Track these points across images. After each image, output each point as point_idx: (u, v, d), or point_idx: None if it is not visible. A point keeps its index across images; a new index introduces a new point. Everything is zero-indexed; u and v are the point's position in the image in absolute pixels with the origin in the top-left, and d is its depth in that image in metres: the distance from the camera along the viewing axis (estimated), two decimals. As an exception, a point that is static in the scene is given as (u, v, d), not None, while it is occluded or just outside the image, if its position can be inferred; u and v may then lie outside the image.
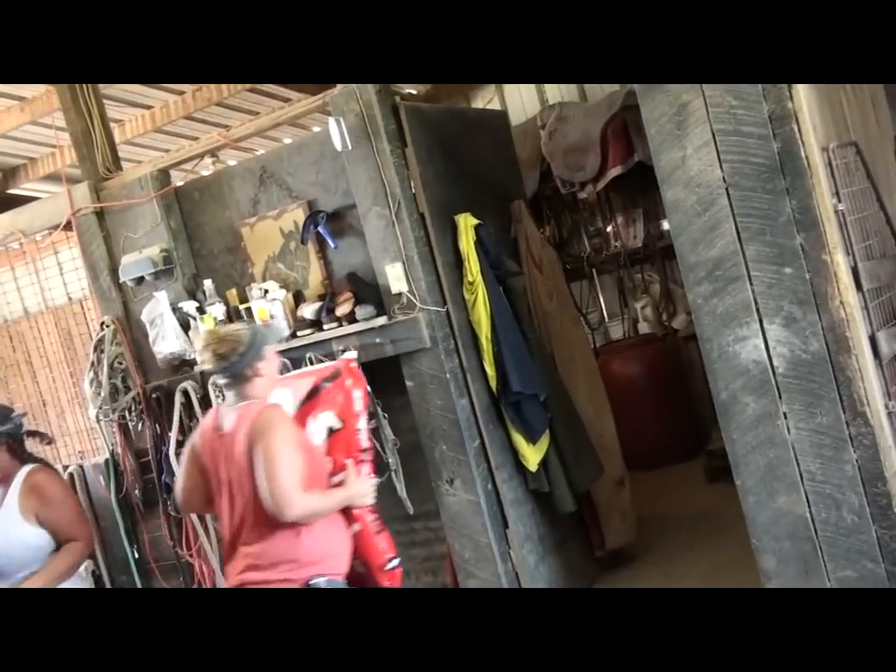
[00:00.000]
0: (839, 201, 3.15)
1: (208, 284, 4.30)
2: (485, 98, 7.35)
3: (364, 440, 3.28)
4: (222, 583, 4.22)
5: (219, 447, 2.96)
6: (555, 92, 7.08)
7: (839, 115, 3.60)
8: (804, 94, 3.08)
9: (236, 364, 2.93)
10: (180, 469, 3.20)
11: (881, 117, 4.41)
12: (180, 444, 4.10)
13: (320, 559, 2.96)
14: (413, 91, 7.46)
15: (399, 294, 3.97)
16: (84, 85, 4.54)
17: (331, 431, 3.21)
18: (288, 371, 3.80)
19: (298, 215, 4.22)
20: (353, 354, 3.51)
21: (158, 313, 4.26)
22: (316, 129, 6.44)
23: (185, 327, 4.31)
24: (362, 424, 3.28)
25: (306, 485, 2.88)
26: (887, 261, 3.49)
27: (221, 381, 3.01)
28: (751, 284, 3.17)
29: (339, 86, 3.99)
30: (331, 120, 3.85)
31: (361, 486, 3.16)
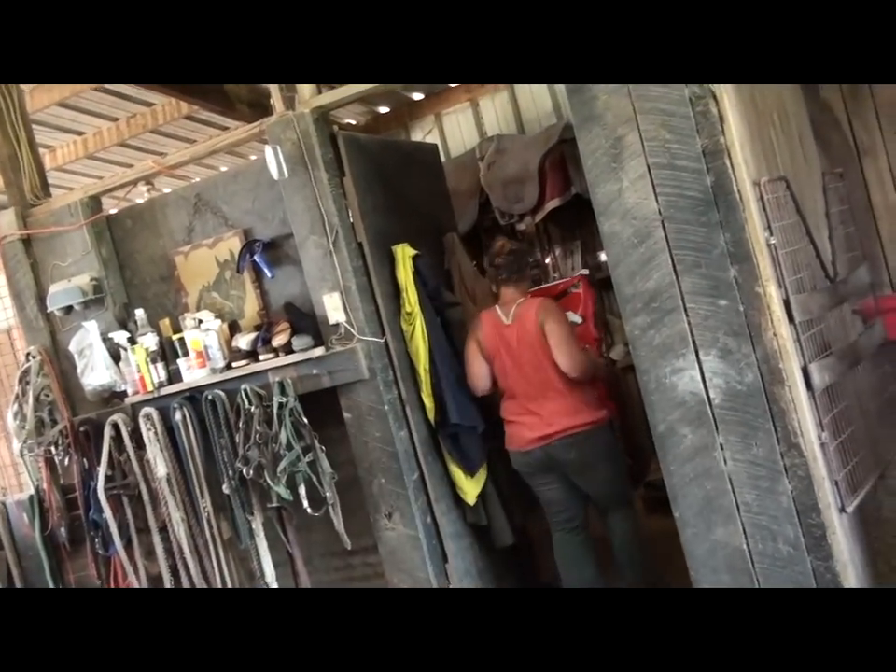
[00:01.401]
0: (771, 234, 3.19)
1: (140, 313, 4.19)
2: (425, 129, 7.36)
3: (596, 331, 4.68)
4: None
5: (501, 336, 4.03)
6: (494, 124, 7.12)
7: (769, 150, 3.66)
8: (735, 129, 3.13)
9: (520, 261, 4.17)
10: (470, 364, 4.14)
11: (808, 153, 4.51)
12: (109, 479, 3.98)
13: (586, 409, 3.99)
14: (353, 122, 7.44)
15: (337, 324, 3.91)
16: (11, 109, 4.42)
17: (573, 325, 4.31)
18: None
19: (233, 243, 4.15)
20: (585, 271, 4.86)
21: (87, 343, 4.13)
22: (254, 157, 6.37)
23: (115, 358, 4.19)
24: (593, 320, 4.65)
25: None
26: (817, 294, 3.54)
27: (504, 275, 4.12)
28: (687, 315, 3.20)
29: (276, 113, 3.95)
30: (268, 148, 3.80)
31: (599, 361, 4.37)
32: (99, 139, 6.41)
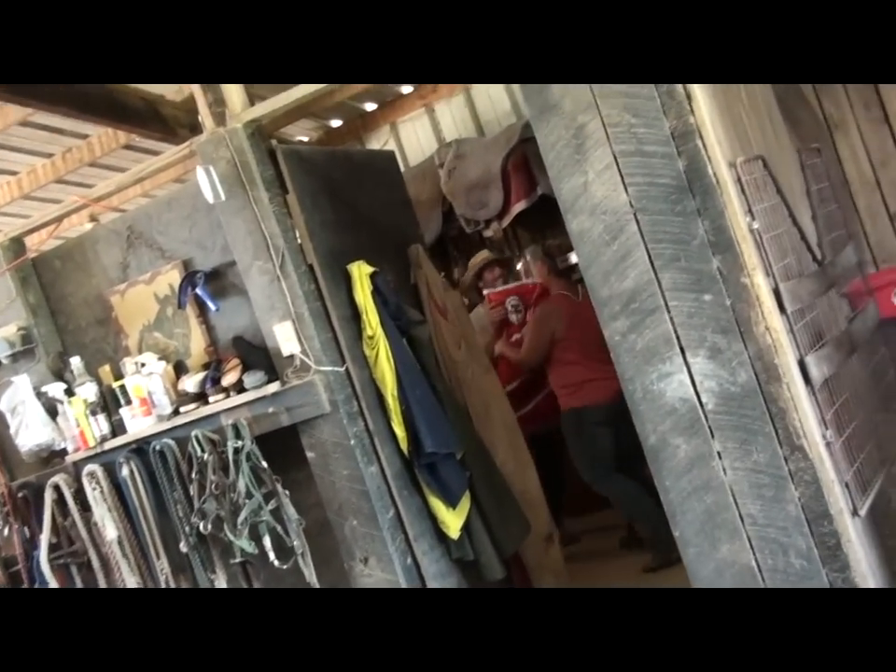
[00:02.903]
0: (753, 218, 2.95)
1: (76, 362, 3.87)
2: (381, 140, 7.10)
3: None
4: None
5: (577, 312, 4.89)
6: (452, 129, 6.87)
7: (741, 129, 3.41)
8: (705, 108, 2.88)
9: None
10: (543, 344, 5.09)
11: (779, 131, 4.28)
12: (54, 548, 3.65)
13: None
14: (305, 139, 7.16)
15: (292, 356, 3.60)
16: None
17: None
18: None
19: (173, 277, 3.84)
20: None
21: (19, 400, 3.80)
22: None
23: (52, 413, 3.86)
24: None
25: None
26: (806, 280, 3.28)
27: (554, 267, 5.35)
28: (670, 315, 2.95)
29: (206, 132, 3.64)
30: (199, 169, 3.49)
31: None
32: (34, 177, 6.07)
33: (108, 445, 3.76)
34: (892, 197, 5.17)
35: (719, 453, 2.94)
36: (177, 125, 5.66)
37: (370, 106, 7.02)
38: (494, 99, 6.75)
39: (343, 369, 3.64)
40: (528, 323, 5.33)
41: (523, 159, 5.92)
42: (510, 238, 6.70)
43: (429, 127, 7.04)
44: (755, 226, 2.91)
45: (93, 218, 5.45)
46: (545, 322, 5.10)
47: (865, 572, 2.89)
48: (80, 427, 3.77)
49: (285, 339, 3.59)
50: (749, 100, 3.78)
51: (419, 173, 6.49)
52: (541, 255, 5.38)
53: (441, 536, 3.79)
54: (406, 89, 6.87)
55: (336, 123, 7.19)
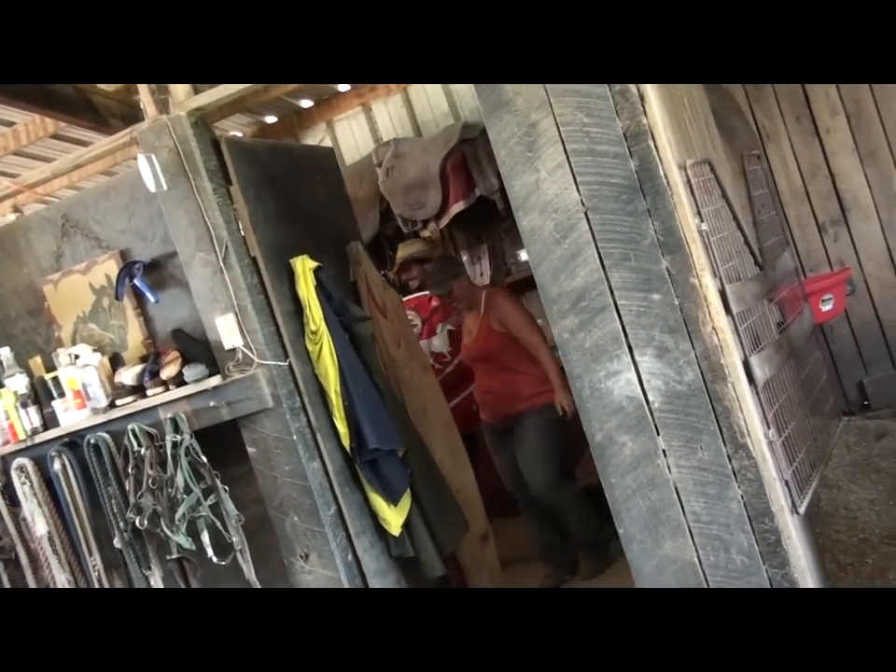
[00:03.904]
0: (702, 220, 2.99)
1: (5, 353, 3.71)
2: (316, 138, 7.02)
3: None
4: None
5: None
6: (389, 129, 6.84)
7: (685, 134, 3.47)
8: (657, 110, 2.91)
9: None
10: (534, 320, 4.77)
11: (715, 139, 4.38)
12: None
13: None
14: (238, 134, 7.03)
15: (234, 349, 3.52)
16: None
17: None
18: None
19: (110, 267, 3.72)
20: None
21: (-56, 391, 3.63)
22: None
23: (-21, 405, 3.68)
24: None
25: None
26: (750, 283, 3.35)
27: None
28: (619, 314, 2.97)
29: (147, 119, 3.54)
30: (141, 157, 3.39)
31: None
32: (-47, 164, 5.81)
33: (39, 438, 3.62)
34: (820, 208, 5.35)
35: (664, 451, 2.97)
36: (109, 115, 5.48)
37: (306, 103, 6.93)
38: (432, 100, 6.74)
39: (287, 363, 3.58)
40: (510, 313, 4.66)
41: (462, 160, 5.93)
42: (446, 239, 6.70)
43: (366, 126, 6.99)
44: (703, 227, 2.96)
45: (17, 209, 5.25)
46: (523, 305, 4.84)
47: (804, 568, 2.96)
48: (9, 419, 3.62)
49: (227, 332, 3.51)
50: (690, 106, 3.85)
51: (356, 171, 6.44)
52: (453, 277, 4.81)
53: (381, 533, 3.74)
54: (343, 87, 6.82)
55: (271, 119, 7.09)
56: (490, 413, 4.78)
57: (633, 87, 2.87)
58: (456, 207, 5.92)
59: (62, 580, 3.52)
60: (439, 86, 6.59)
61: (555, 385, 4.44)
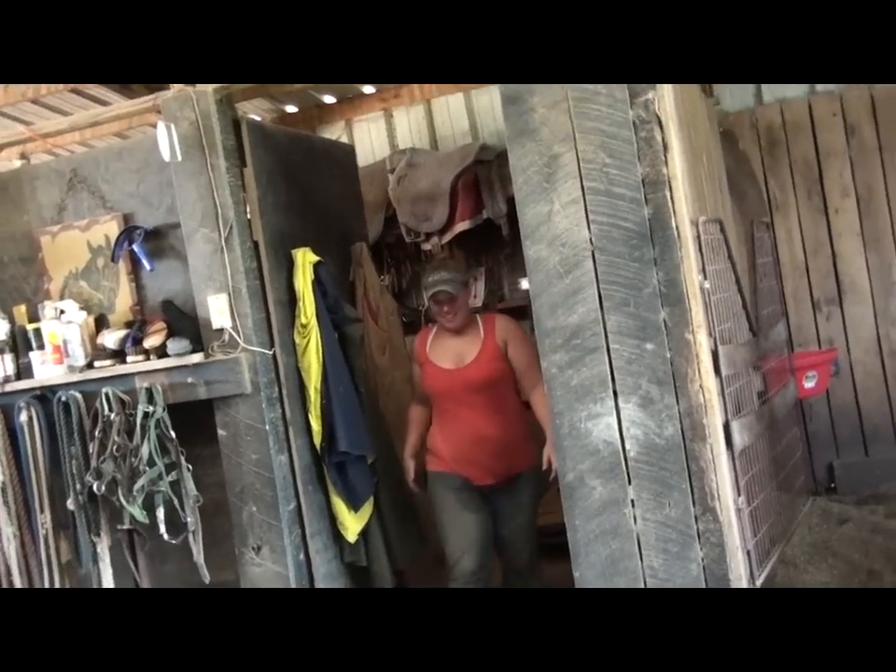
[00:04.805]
0: (705, 278, 3.01)
1: (-9, 296, 3.68)
2: (334, 134, 7.01)
3: None
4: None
5: None
6: (406, 137, 6.84)
7: (700, 190, 3.49)
8: (678, 161, 2.92)
9: None
10: None
11: (726, 201, 4.41)
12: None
13: None
14: (257, 118, 7.01)
15: (221, 330, 3.49)
16: None
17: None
18: None
19: (111, 228, 3.69)
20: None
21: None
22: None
23: (-46, 344, 3.64)
24: None
25: None
26: (742, 347, 3.37)
27: None
28: (610, 357, 2.97)
29: (173, 88, 3.52)
30: (161, 125, 3.37)
31: None
32: (-29, 105, 5.75)
33: (10, 387, 3.57)
34: (818, 285, 5.37)
35: (633, 500, 2.96)
36: (133, 79, 5.46)
37: (328, 99, 6.92)
38: (453, 116, 6.75)
39: (271, 352, 3.55)
40: (518, 337, 3.75)
41: (474, 180, 5.92)
42: (445, 255, 6.69)
43: (385, 131, 6.98)
44: (706, 285, 2.97)
45: (24, 156, 5.21)
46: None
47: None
48: (-17, 364, 3.58)
49: (217, 311, 3.48)
50: (708, 164, 3.88)
51: (367, 174, 6.39)
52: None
53: (337, 537, 3.71)
54: (368, 89, 6.82)
55: (291, 109, 7.07)
56: (476, 468, 3.64)
57: (658, 135, 2.88)
58: (462, 226, 5.90)
59: (7, 532, 3.47)
60: (462, 103, 6.61)
61: (550, 440, 3.45)
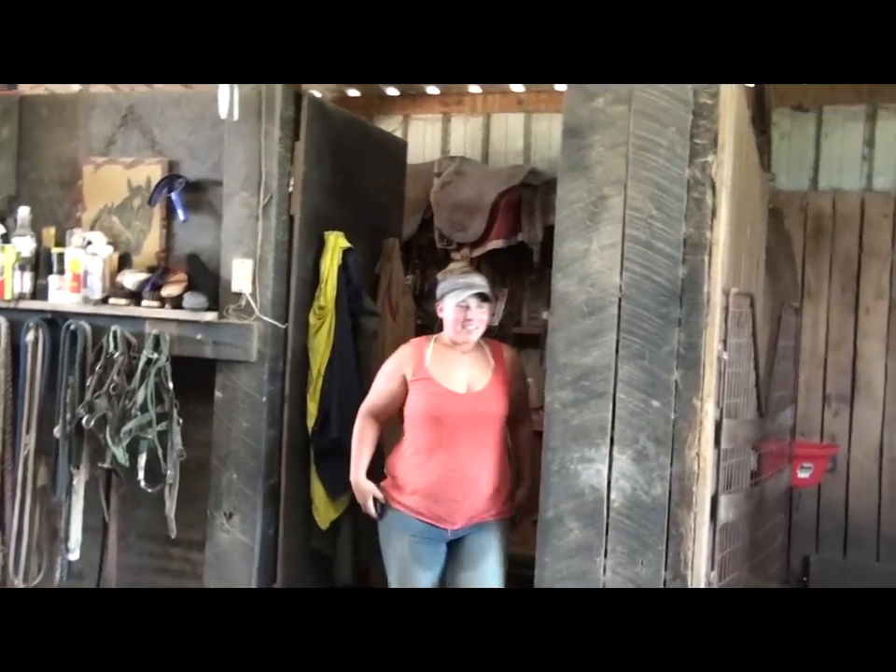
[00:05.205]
0: (725, 349, 2.99)
1: (24, 212, 3.70)
2: (390, 126, 7.02)
3: None
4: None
5: None
6: (459, 145, 6.86)
7: (738, 263, 3.48)
8: (724, 227, 2.91)
9: None
10: None
11: (760, 278, 4.40)
12: None
13: None
14: (318, 95, 7.03)
15: (240, 294, 3.51)
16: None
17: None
18: None
19: (154, 171, 3.71)
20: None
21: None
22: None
23: (-21, 251, 3.65)
24: None
25: None
26: (746, 424, 3.35)
27: None
28: (615, 405, 2.95)
29: (246, 49, 3.53)
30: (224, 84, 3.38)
31: None
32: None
33: (23, 305, 3.59)
34: (832, 379, 5.35)
35: (606, 551, 2.94)
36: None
37: (391, 91, 6.95)
38: (510, 134, 6.76)
39: (284, 326, 3.56)
40: (522, 376, 3.39)
41: (517, 201, 5.92)
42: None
43: (440, 134, 6.99)
44: (724, 356, 2.96)
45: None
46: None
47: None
48: (2, 275, 3.59)
49: (240, 276, 3.50)
50: (751, 236, 3.86)
51: (414, 172, 6.39)
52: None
53: (308, 521, 3.70)
54: (432, 89, 6.84)
55: (354, 93, 7.10)
56: (447, 509, 3.11)
57: (709, 198, 2.87)
58: (496, 243, 5.90)
59: (-11, 445, 3.49)
60: (521, 122, 6.61)
61: (526, 483, 3.29)
